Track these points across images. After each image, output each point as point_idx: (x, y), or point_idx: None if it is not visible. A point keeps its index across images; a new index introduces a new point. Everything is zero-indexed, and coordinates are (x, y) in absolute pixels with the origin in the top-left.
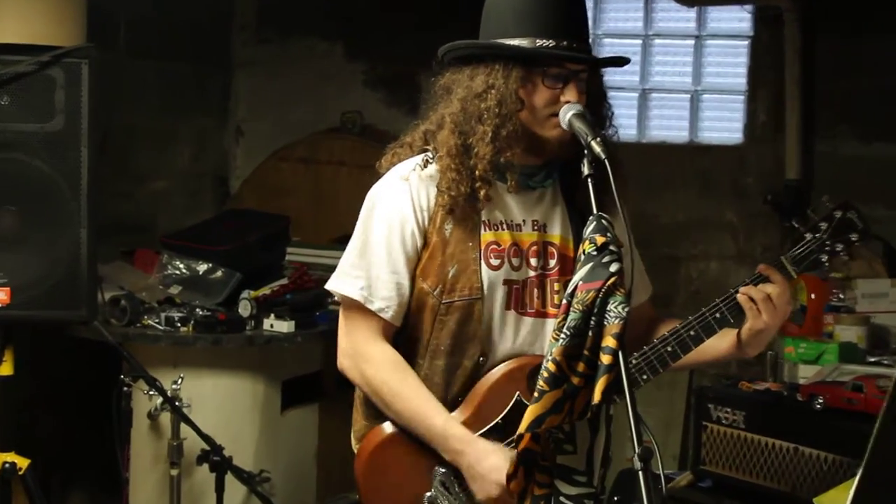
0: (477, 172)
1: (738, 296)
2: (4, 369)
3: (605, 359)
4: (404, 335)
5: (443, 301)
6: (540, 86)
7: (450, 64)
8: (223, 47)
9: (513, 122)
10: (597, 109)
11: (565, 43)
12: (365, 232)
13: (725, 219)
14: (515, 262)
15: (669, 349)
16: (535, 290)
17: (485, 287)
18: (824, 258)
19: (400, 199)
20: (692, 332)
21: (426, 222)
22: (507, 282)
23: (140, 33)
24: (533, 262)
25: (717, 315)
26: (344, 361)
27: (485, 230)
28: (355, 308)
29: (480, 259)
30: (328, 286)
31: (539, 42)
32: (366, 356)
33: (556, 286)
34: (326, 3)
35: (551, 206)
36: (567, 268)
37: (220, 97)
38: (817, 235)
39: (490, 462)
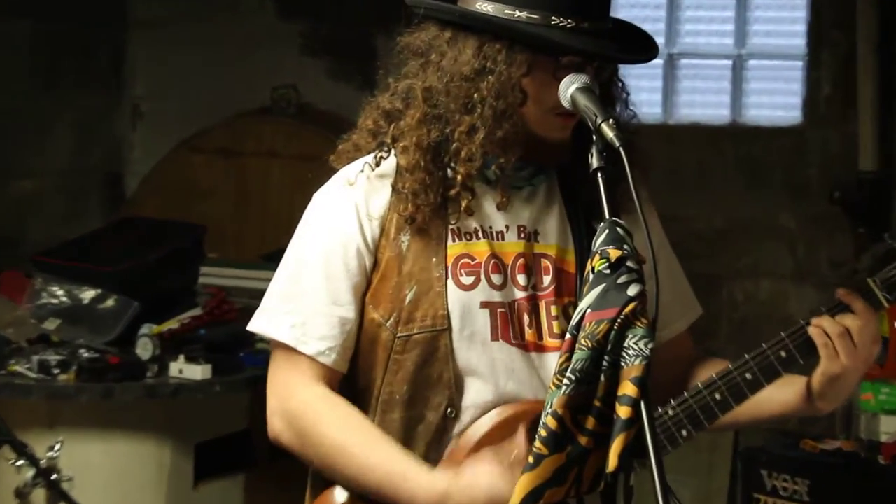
0: (458, 178)
1: (810, 329)
2: None
3: (623, 412)
4: (349, 383)
5: (398, 335)
6: (550, 77)
7: (426, 18)
8: (115, 2)
9: (512, 122)
10: (608, 91)
11: (586, 24)
12: (298, 255)
13: (780, 223)
14: (496, 279)
15: (718, 397)
16: (526, 316)
17: (453, 314)
18: None
19: (342, 210)
20: (748, 376)
21: (376, 235)
22: (486, 304)
23: None
24: (521, 279)
25: (783, 353)
26: (275, 423)
27: (452, 240)
28: (286, 353)
29: (447, 277)
30: (252, 326)
31: (555, 20)
32: (300, 409)
33: (554, 310)
34: None
35: (544, 207)
36: (566, 287)
37: (111, 67)
38: None
39: (484, 483)
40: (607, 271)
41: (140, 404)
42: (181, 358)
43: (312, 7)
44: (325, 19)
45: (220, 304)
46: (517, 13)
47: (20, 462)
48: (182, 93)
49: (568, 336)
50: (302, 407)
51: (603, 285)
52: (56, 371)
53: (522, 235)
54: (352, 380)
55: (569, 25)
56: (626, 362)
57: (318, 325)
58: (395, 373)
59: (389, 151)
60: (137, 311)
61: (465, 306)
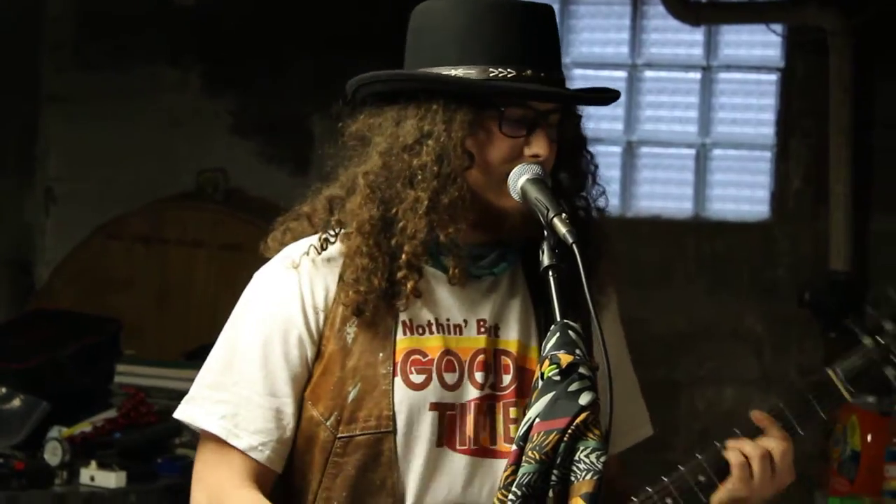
0: (403, 257)
1: (727, 451)
2: None
3: None
4: (283, 482)
5: (339, 435)
6: (496, 133)
7: (364, 103)
8: (28, 73)
9: (458, 186)
10: (574, 163)
11: (529, 72)
12: (233, 339)
13: (745, 326)
14: (450, 378)
15: None
16: (481, 418)
17: (399, 415)
18: (893, 373)
19: (284, 294)
20: (669, 501)
21: (321, 325)
22: (436, 406)
23: None
24: (478, 377)
25: (701, 478)
26: None
27: (403, 333)
28: (215, 446)
29: (394, 375)
30: (178, 414)
31: (493, 71)
32: None
33: (513, 413)
34: (180, 16)
35: (507, 299)
36: (527, 387)
37: (22, 145)
38: (882, 342)
39: None
40: (557, 378)
41: None
42: (93, 464)
43: (242, 84)
44: (255, 97)
45: (137, 405)
46: (453, 71)
47: None
48: (99, 175)
49: (514, 447)
50: None
51: (552, 393)
52: None
53: (483, 330)
54: (286, 479)
55: (510, 75)
56: (576, 477)
57: (253, 417)
58: (334, 477)
59: (336, 235)
60: (46, 412)
61: (413, 407)
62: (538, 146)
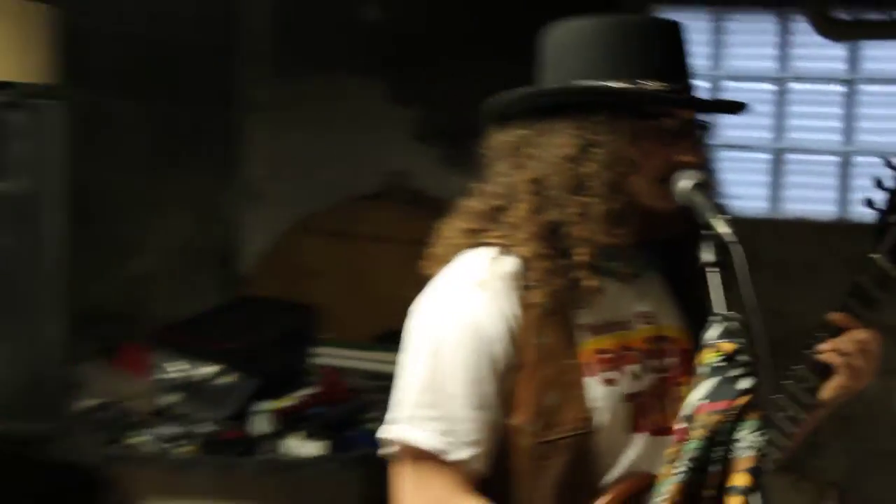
0: (576, 259)
1: (824, 355)
2: None
3: (734, 502)
4: (483, 486)
5: (543, 441)
6: (653, 142)
7: (512, 117)
8: (229, 83)
9: (622, 192)
10: (711, 167)
11: (674, 85)
12: (435, 360)
13: (888, 319)
14: (632, 369)
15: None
16: (656, 401)
17: (596, 413)
18: None
19: (479, 315)
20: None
21: (516, 338)
22: (627, 397)
23: (121, 66)
24: (652, 364)
25: (806, 385)
26: None
27: (586, 336)
28: (426, 463)
29: (586, 376)
30: (390, 434)
31: (644, 84)
32: None
33: (680, 392)
34: (367, 28)
35: (659, 291)
36: (690, 368)
37: (227, 150)
38: None
39: None
40: (720, 364)
41: (256, 479)
42: (297, 434)
43: (424, 93)
44: (436, 105)
45: (332, 383)
46: (609, 84)
47: None
48: (296, 175)
49: (680, 426)
50: None
51: (716, 378)
52: (175, 444)
53: (648, 321)
54: (486, 485)
55: (661, 88)
56: (737, 453)
57: (467, 430)
58: (539, 480)
59: (506, 246)
60: (254, 388)
61: (608, 403)
62: (691, 153)
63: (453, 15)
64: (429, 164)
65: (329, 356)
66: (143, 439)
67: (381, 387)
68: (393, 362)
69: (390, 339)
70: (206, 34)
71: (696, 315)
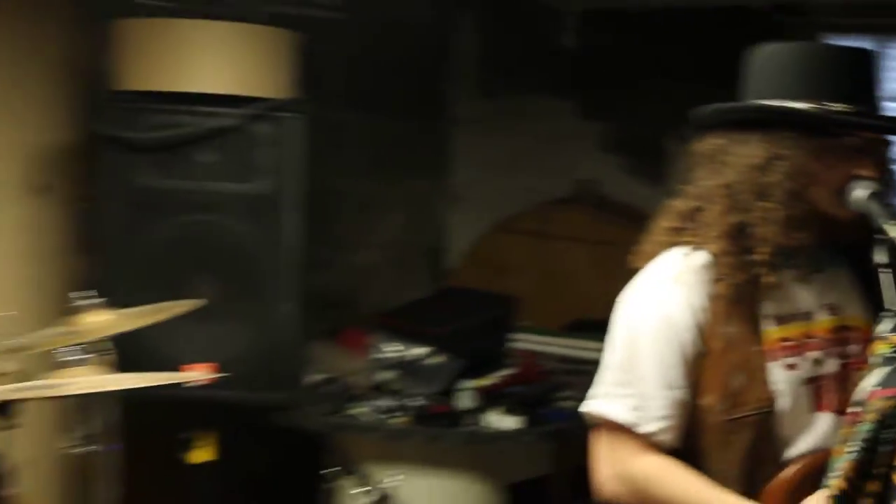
0: (758, 258)
1: None
2: (205, 454)
3: None
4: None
5: (729, 418)
6: (833, 159)
7: (710, 128)
8: (439, 101)
9: (803, 201)
10: (890, 181)
11: (859, 107)
12: (632, 344)
13: None
14: (814, 355)
15: None
16: (839, 384)
17: (778, 395)
18: None
19: (673, 306)
20: None
21: (704, 328)
22: (808, 381)
23: (350, 85)
24: (835, 351)
25: None
26: (613, 488)
27: (770, 325)
28: (620, 434)
29: (769, 362)
30: (588, 408)
31: (831, 106)
32: (638, 473)
33: (860, 377)
34: (561, 54)
35: (843, 286)
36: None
37: (436, 158)
38: None
39: None
40: (893, 355)
41: (461, 448)
42: (497, 409)
43: (610, 111)
44: (621, 120)
45: (530, 365)
46: (797, 104)
47: (364, 490)
48: (496, 181)
49: (853, 410)
50: (642, 471)
51: (889, 367)
52: (390, 415)
53: (831, 312)
54: (678, 455)
55: (846, 110)
56: None
57: (656, 407)
58: (727, 453)
59: (700, 244)
60: (460, 368)
61: (790, 386)
62: (870, 168)
63: (637, 43)
64: (614, 172)
65: (525, 341)
66: (362, 410)
67: (570, 370)
68: (581, 348)
69: (579, 328)
70: (422, 59)
71: (879, 309)
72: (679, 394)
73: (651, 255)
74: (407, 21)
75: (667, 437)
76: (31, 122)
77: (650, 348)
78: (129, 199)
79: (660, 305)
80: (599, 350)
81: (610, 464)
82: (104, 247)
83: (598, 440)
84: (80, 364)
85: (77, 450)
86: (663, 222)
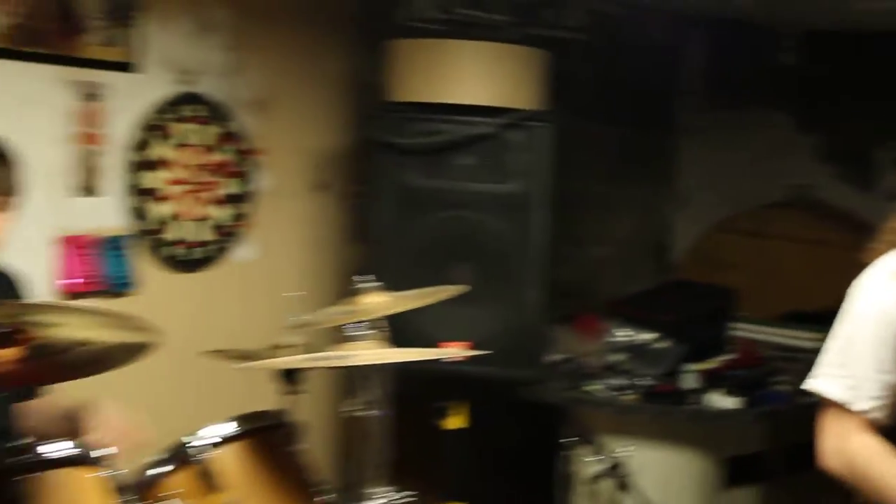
0: None
1: None
2: (458, 422)
3: None
4: (888, 435)
5: None
6: None
7: None
8: (669, 113)
9: None
10: None
11: None
12: (851, 331)
13: None
14: None
15: None
16: None
17: None
18: None
19: (890, 298)
20: None
21: None
22: None
23: (585, 97)
24: None
25: None
26: (831, 460)
27: None
28: (838, 411)
29: None
30: (808, 386)
31: None
32: (854, 451)
33: None
34: (780, 70)
35: None
36: None
37: (664, 164)
38: None
39: None
40: None
41: (685, 424)
42: (718, 391)
43: (826, 123)
44: (836, 133)
45: (748, 351)
46: None
47: (597, 457)
48: (718, 185)
49: None
50: (855, 450)
51: None
52: (621, 392)
53: None
54: (890, 431)
55: None
56: None
57: (869, 387)
58: None
59: None
60: (684, 352)
61: None
62: None
63: (852, 61)
64: (829, 179)
65: (744, 330)
66: (596, 387)
67: (785, 357)
68: (795, 337)
69: (793, 319)
70: (655, 75)
71: None
72: (891, 378)
73: (879, 253)
74: (642, 41)
75: (879, 415)
76: (315, 129)
77: (866, 336)
78: (398, 196)
79: (877, 298)
80: (812, 339)
81: (831, 439)
82: (377, 238)
83: (822, 417)
84: (362, 339)
85: (357, 414)
86: (892, 223)
